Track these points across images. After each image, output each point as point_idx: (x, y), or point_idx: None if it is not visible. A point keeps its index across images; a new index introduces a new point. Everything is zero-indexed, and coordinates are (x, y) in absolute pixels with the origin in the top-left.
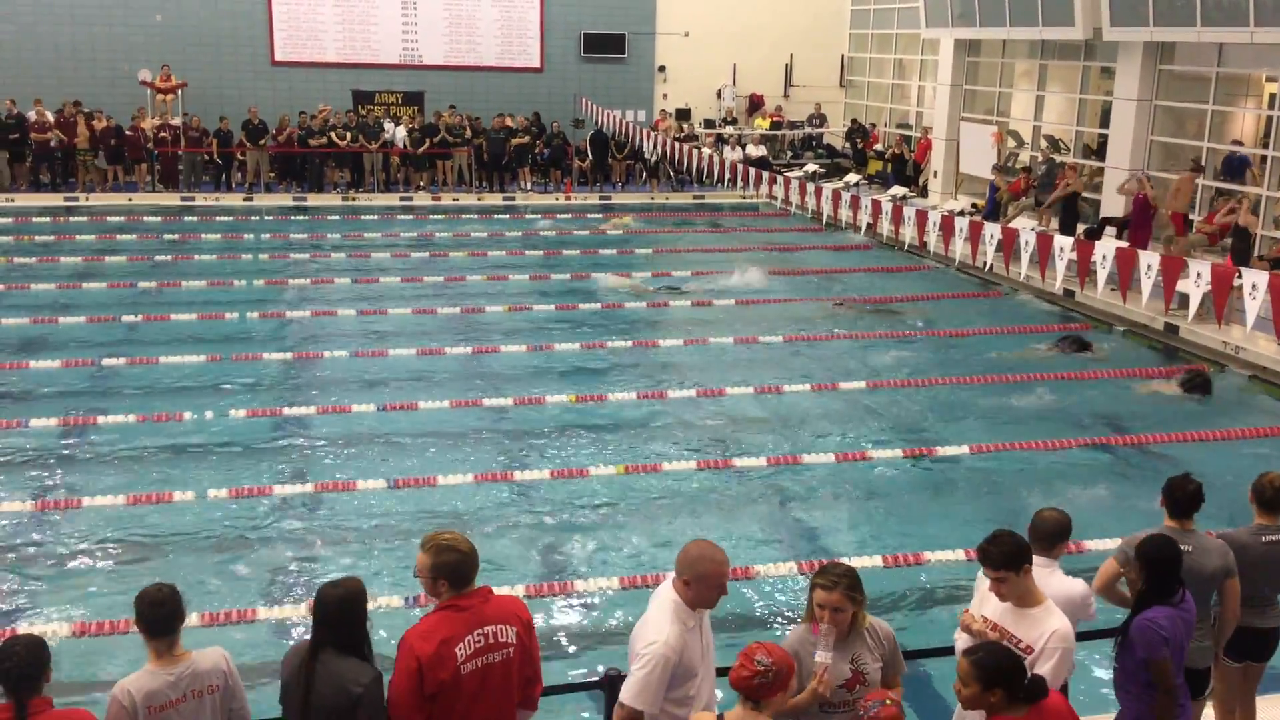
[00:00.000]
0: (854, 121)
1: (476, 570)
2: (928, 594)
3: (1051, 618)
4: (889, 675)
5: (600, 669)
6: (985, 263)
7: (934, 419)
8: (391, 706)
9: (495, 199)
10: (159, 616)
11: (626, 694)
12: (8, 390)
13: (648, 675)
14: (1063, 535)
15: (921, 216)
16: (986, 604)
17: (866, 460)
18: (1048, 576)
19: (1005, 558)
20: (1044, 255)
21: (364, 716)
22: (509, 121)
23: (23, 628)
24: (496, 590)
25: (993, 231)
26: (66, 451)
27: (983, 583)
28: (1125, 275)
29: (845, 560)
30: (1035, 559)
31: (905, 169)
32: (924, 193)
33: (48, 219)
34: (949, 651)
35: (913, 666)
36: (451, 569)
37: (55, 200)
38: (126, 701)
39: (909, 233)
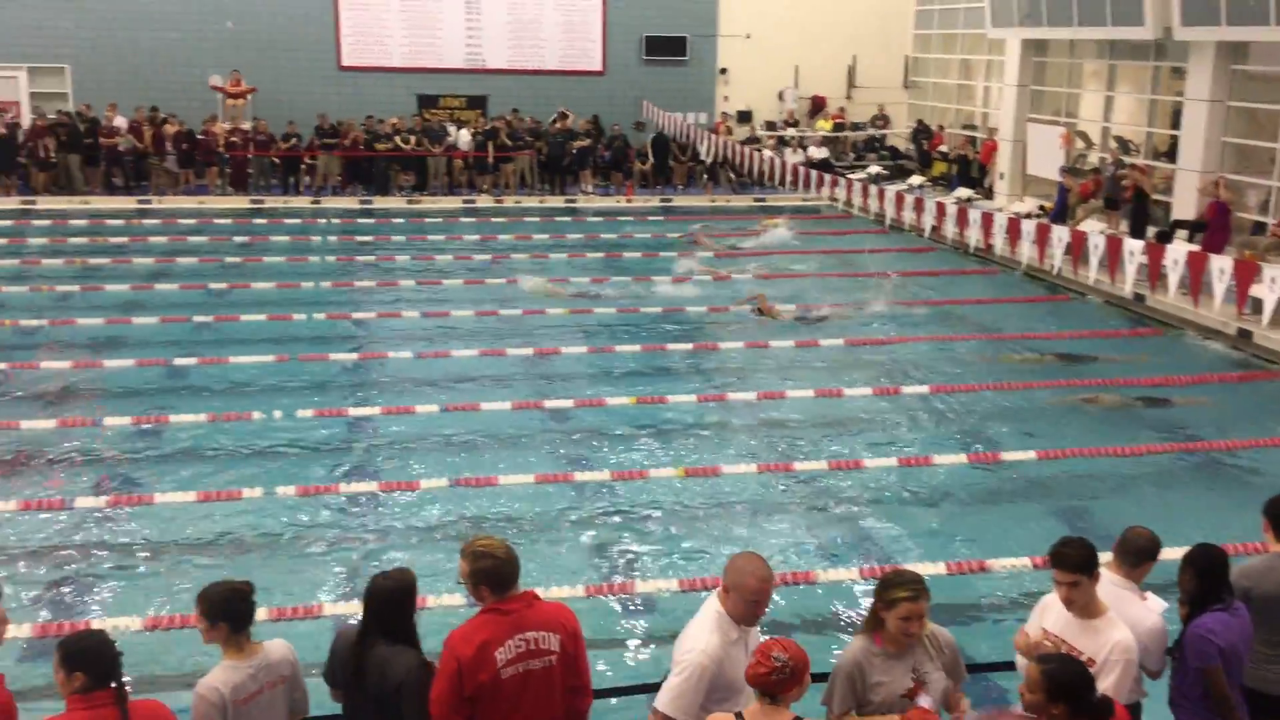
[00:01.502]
0: (919, 122)
1: (517, 574)
2: (992, 602)
3: (1114, 629)
4: (950, 682)
5: (659, 674)
6: (1053, 266)
7: (999, 424)
8: (432, 705)
9: (557, 201)
10: (244, 610)
11: (661, 700)
12: (83, 388)
13: (683, 683)
14: (1151, 555)
15: (987, 219)
16: (1048, 614)
17: (929, 465)
18: (1127, 601)
19: (1081, 560)
20: (1113, 258)
21: (407, 702)
22: (568, 117)
23: (95, 622)
24: (556, 590)
25: (1061, 234)
26: (139, 449)
27: (1044, 601)
28: (1196, 279)
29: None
30: (1114, 577)
31: (970, 171)
32: (989, 195)
33: (121, 221)
34: (1012, 662)
35: (976, 676)
36: (488, 574)
37: (128, 203)
38: (215, 698)
39: (974, 235)
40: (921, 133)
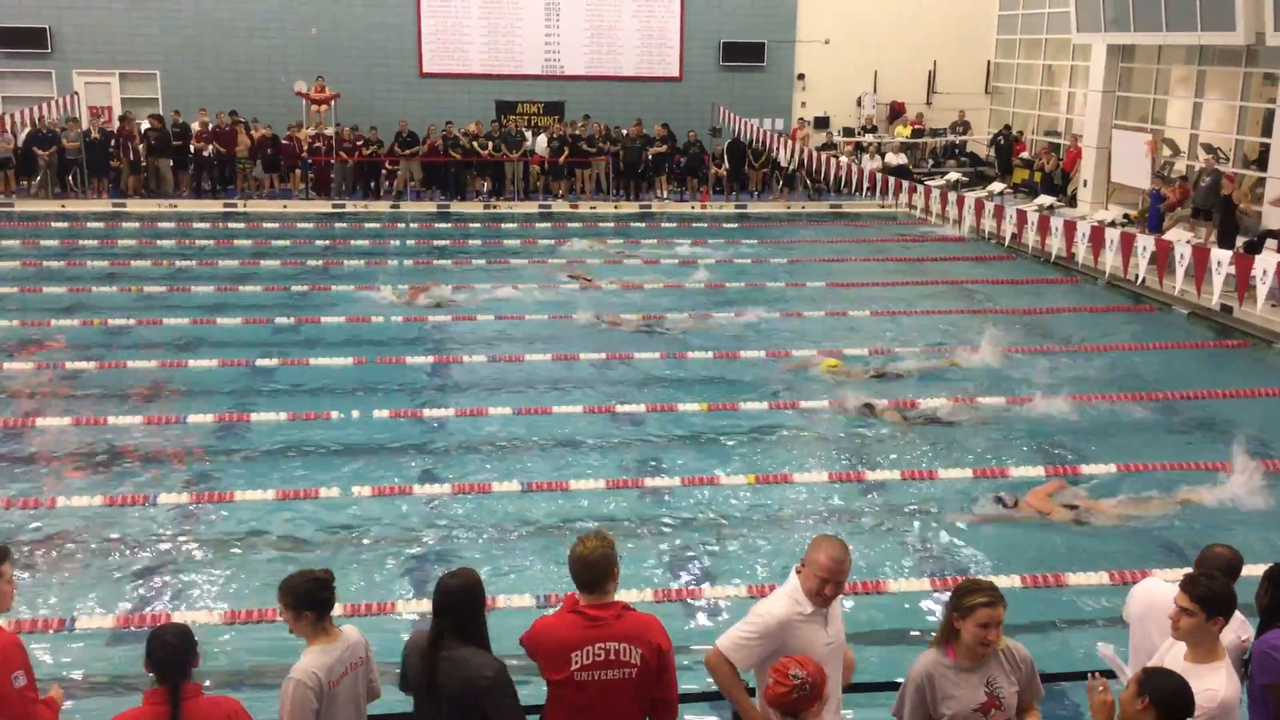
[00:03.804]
0: (1006, 127)
1: (604, 578)
2: (1068, 617)
3: (1214, 677)
4: (1026, 700)
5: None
6: (1137, 276)
7: (1077, 436)
8: None
9: (631, 207)
10: (327, 598)
11: (722, 639)
12: (169, 387)
13: (746, 633)
14: (1232, 575)
15: (1070, 227)
16: (1169, 655)
17: (1005, 477)
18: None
19: (1206, 595)
20: (1200, 269)
21: (494, 706)
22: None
23: (176, 615)
24: (623, 594)
25: (1145, 244)
26: (221, 446)
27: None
28: None
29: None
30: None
31: (1053, 178)
32: (1072, 202)
33: (207, 224)
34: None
35: (1052, 692)
36: (572, 572)
37: (215, 206)
38: (313, 683)
39: (1056, 244)
40: (1005, 138)
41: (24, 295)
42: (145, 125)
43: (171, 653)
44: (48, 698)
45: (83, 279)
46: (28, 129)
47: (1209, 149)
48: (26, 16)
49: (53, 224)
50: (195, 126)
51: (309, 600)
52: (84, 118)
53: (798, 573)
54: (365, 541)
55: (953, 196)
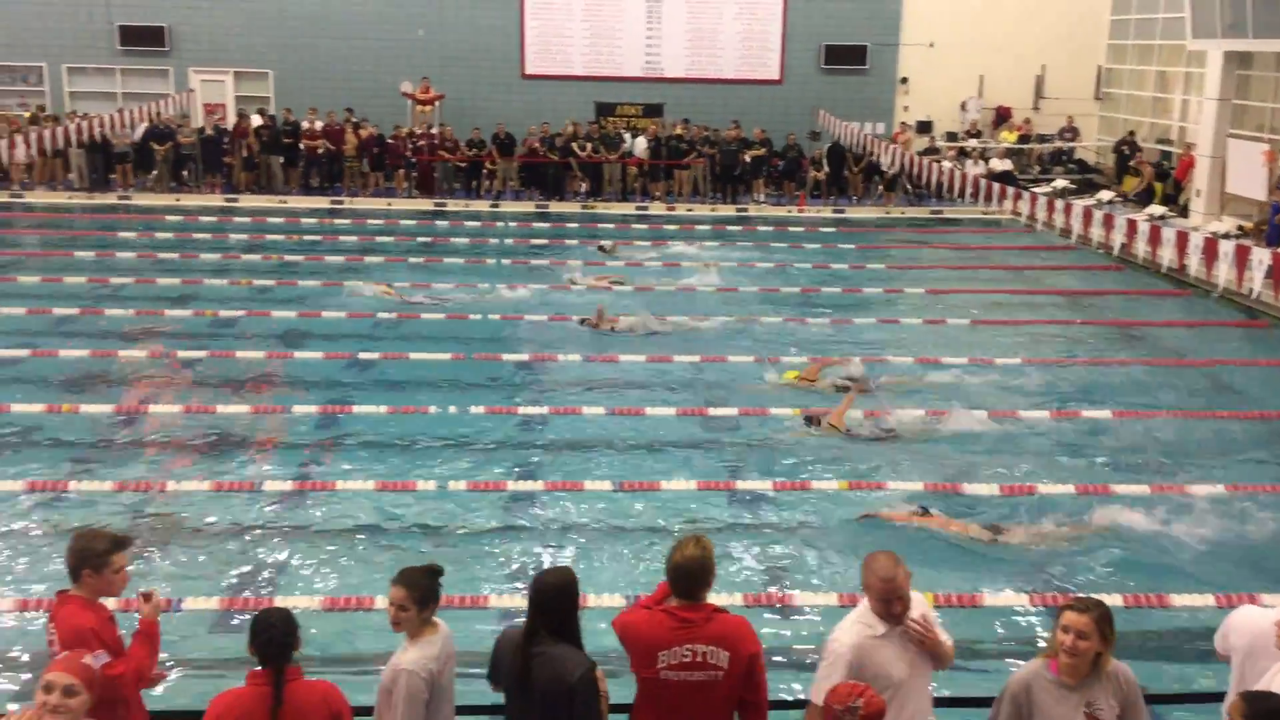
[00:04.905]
0: (1130, 133)
1: (698, 583)
2: (1171, 638)
3: None
4: None
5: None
6: (1252, 290)
7: (1184, 454)
8: None
9: (728, 210)
10: (439, 590)
11: (812, 691)
12: (275, 378)
13: (823, 672)
14: None
15: (1182, 238)
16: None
17: (1108, 494)
18: None
19: None
20: None
21: (580, 704)
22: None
23: (278, 600)
24: (712, 597)
25: (1261, 256)
26: (323, 437)
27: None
28: None
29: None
30: None
31: (1165, 187)
32: (1184, 212)
33: (315, 220)
34: (1193, 698)
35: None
36: (670, 576)
37: (322, 203)
38: (425, 674)
39: (1167, 255)
40: (1130, 147)
41: (139, 286)
42: (257, 122)
43: (275, 635)
44: (143, 605)
45: (195, 271)
46: (146, 124)
47: None
48: (147, 15)
49: (167, 217)
50: (305, 125)
51: (433, 593)
52: (199, 115)
53: (865, 596)
54: (459, 534)
55: (1060, 204)
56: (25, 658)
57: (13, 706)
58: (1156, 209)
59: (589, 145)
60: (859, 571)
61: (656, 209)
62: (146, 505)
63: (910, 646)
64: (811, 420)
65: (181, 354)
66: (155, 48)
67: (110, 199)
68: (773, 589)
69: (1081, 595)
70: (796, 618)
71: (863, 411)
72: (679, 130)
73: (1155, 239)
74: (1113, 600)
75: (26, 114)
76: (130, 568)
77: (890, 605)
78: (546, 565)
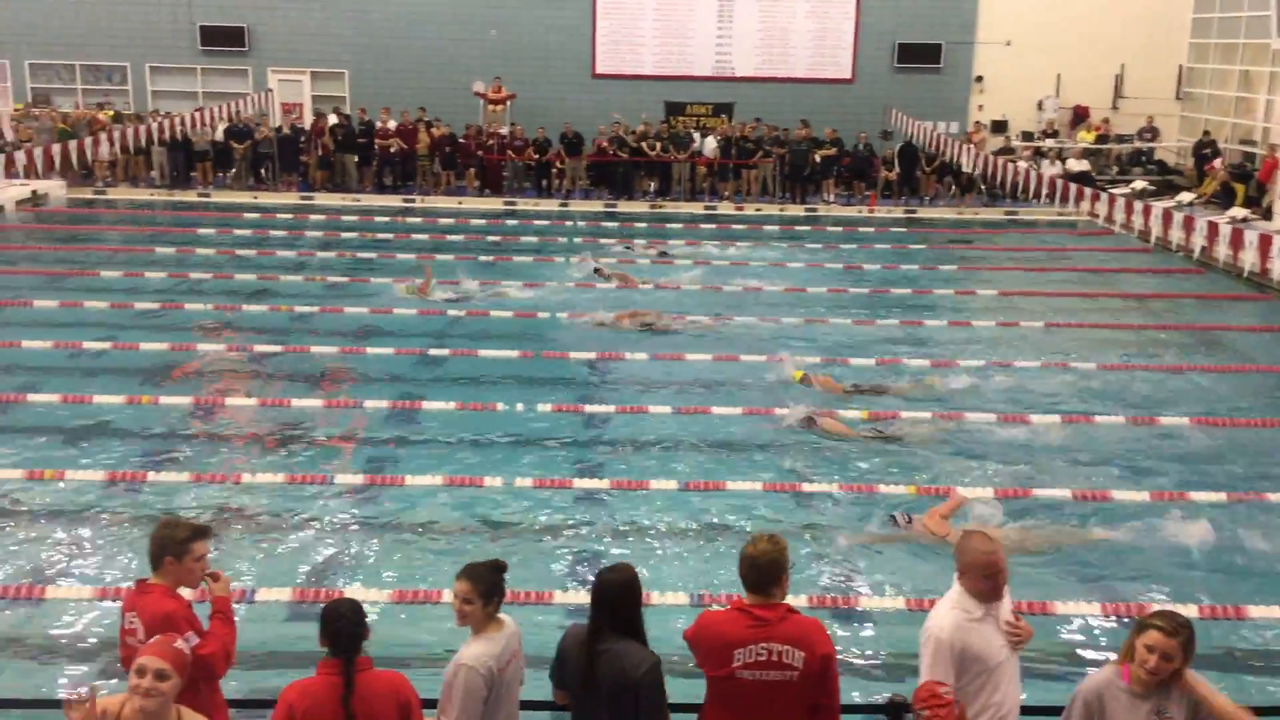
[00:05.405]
0: (1207, 133)
1: (771, 580)
2: (1246, 650)
3: None
4: None
5: (884, 694)
6: None
7: (1267, 462)
8: None
9: (797, 210)
10: (501, 582)
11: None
12: (347, 373)
13: (929, 659)
14: None
15: (1265, 241)
16: None
17: (1185, 500)
18: None
19: None
20: None
21: (645, 700)
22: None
23: (348, 592)
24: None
25: None
26: (394, 432)
27: None
28: None
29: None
30: None
31: (1248, 189)
32: (1268, 215)
33: (387, 218)
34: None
35: None
36: (741, 571)
37: (395, 201)
38: (485, 670)
39: (1249, 258)
40: (1212, 149)
41: (217, 281)
42: (333, 121)
43: (345, 625)
44: (213, 585)
45: (271, 267)
46: (225, 123)
47: None
48: (227, 16)
49: (245, 214)
50: (379, 124)
51: (497, 588)
52: (276, 113)
53: (958, 578)
54: (525, 531)
55: (1139, 205)
56: (96, 645)
57: (103, 690)
58: (1239, 211)
59: (658, 145)
60: (925, 577)
61: (725, 209)
62: (222, 497)
63: (999, 625)
64: (810, 421)
65: (258, 348)
66: (235, 48)
67: (190, 196)
68: (838, 592)
69: (1166, 610)
70: (862, 621)
71: (931, 414)
72: (748, 130)
73: (1237, 242)
74: (1186, 610)
75: (110, 113)
76: (211, 555)
77: (996, 579)
78: (608, 563)
